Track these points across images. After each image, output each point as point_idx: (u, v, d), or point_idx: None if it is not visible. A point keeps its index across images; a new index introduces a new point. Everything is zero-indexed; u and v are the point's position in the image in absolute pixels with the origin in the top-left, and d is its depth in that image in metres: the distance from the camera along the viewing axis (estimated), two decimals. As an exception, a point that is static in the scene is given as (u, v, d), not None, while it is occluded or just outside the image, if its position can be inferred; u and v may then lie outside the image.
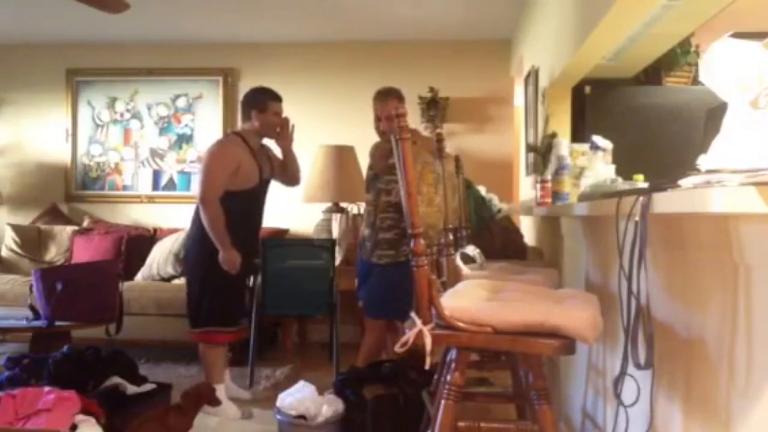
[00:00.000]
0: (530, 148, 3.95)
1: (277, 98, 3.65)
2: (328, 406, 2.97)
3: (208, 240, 3.44)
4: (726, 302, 1.30)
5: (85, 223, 5.59)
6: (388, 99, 3.49)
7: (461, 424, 1.78)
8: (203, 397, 2.85)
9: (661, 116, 3.49)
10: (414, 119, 5.17)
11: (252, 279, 3.98)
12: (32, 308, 3.45)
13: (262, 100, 3.60)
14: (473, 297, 1.81)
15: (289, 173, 3.77)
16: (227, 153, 3.50)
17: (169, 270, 5.02)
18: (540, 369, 1.81)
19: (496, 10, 4.77)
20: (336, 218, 4.93)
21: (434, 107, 5.42)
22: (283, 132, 3.67)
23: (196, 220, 3.53)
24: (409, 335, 1.67)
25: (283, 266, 4.11)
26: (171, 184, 5.78)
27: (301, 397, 3.01)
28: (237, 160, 3.46)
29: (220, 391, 3.45)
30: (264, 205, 3.72)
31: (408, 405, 2.90)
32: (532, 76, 4.21)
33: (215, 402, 2.95)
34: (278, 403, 3.03)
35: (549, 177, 3.10)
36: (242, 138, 3.57)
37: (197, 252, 3.52)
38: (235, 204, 3.44)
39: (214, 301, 3.46)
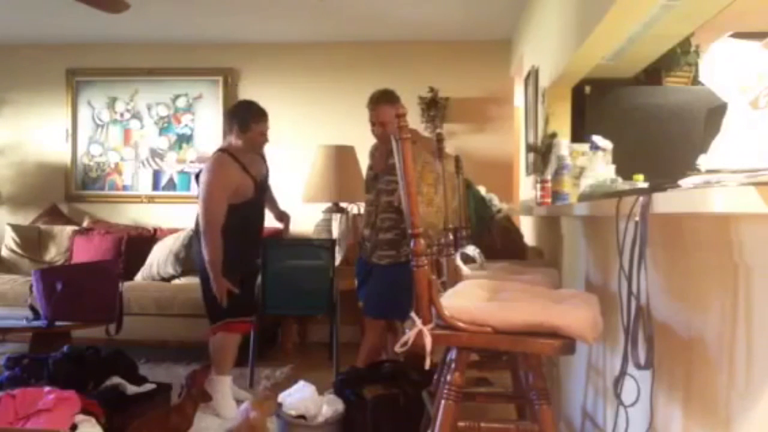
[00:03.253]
0: (530, 148, 3.95)
1: (262, 117, 3.56)
2: (328, 406, 2.97)
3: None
4: (726, 302, 1.30)
5: (85, 223, 5.59)
6: (379, 105, 3.49)
7: (461, 424, 1.78)
8: (200, 380, 2.86)
9: (661, 116, 3.49)
10: (414, 119, 5.17)
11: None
12: (32, 308, 3.45)
13: (245, 120, 3.52)
14: (473, 297, 1.81)
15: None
16: (223, 178, 3.46)
17: (169, 270, 5.02)
18: (540, 369, 1.81)
19: (496, 10, 4.77)
20: (336, 218, 4.93)
21: (434, 107, 5.42)
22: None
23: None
24: (410, 335, 1.67)
25: (283, 266, 4.10)
26: (171, 184, 5.78)
27: (301, 397, 3.01)
28: (233, 183, 3.47)
29: (225, 383, 3.46)
30: (264, 206, 3.76)
31: (408, 405, 2.90)
32: (532, 76, 4.21)
33: (207, 397, 2.98)
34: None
35: (549, 177, 3.11)
36: (231, 155, 3.52)
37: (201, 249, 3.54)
38: (237, 215, 3.48)
39: (228, 294, 3.48)
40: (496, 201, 3.99)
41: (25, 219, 5.77)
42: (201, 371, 2.97)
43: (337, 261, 4.37)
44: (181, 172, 5.74)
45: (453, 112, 5.48)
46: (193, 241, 3.77)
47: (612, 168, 2.92)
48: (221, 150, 3.60)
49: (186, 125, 5.76)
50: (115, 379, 3.08)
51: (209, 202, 3.43)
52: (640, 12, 2.46)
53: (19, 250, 5.48)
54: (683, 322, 1.53)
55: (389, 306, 3.46)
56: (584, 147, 3.05)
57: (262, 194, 3.70)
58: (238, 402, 3.54)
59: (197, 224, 3.57)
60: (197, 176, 3.60)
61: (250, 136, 3.54)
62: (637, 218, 1.38)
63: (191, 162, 5.70)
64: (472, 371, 2.92)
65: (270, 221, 3.90)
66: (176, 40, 5.64)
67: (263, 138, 3.60)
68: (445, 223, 2.37)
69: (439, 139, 2.63)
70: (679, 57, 3.49)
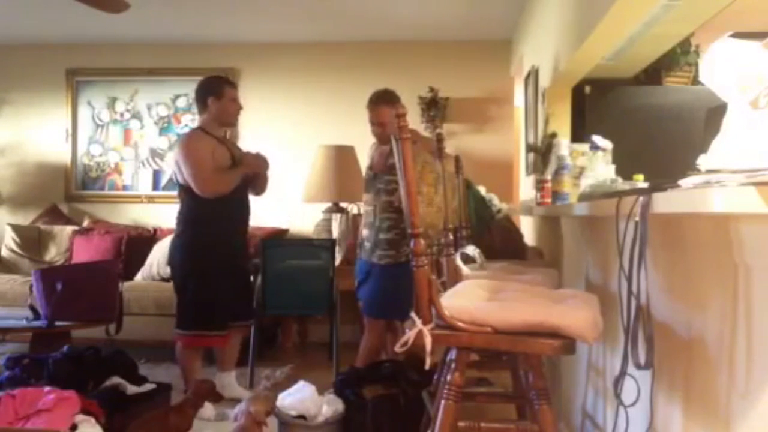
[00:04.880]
0: (530, 148, 3.95)
1: (232, 84, 3.64)
2: (328, 406, 2.97)
3: (192, 239, 3.49)
4: (726, 302, 1.30)
5: (85, 223, 5.59)
6: (378, 105, 3.50)
7: (461, 424, 1.78)
8: (203, 392, 2.85)
9: (661, 116, 3.49)
10: (414, 119, 5.17)
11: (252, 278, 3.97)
12: (32, 308, 3.45)
13: (218, 86, 3.57)
14: (473, 297, 1.81)
15: (253, 187, 3.71)
16: (199, 143, 3.48)
17: (169, 270, 5.01)
18: (540, 369, 1.81)
19: (496, 10, 4.77)
20: (336, 218, 4.93)
21: (434, 107, 5.42)
22: (249, 161, 3.60)
23: (180, 220, 3.56)
24: (410, 335, 1.67)
25: (283, 266, 4.10)
26: (171, 184, 5.77)
27: (301, 397, 3.01)
28: (210, 147, 3.46)
29: None
30: (246, 198, 3.65)
31: (408, 405, 2.90)
32: (532, 76, 4.21)
33: (216, 397, 2.95)
34: (278, 403, 3.03)
35: (549, 177, 3.11)
36: (203, 131, 3.55)
37: (181, 252, 3.54)
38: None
39: (197, 303, 3.46)
40: (496, 201, 3.98)
41: (25, 219, 5.77)
42: (207, 386, 2.95)
43: (337, 261, 4.37)
44: (181, 172, 5.73)
45: (453, 112, 5.48)
46: (173, 240, 3.70)
47: (612, 168, 2.92)
48: (193, 128, 3.65)
49: (186, 125, 5.75)
50: (115, 379, 3.08)
51: (193, 163, 3.41)
52: (640, 12, 2.46)
53: (19, 250, 5.48)
54: (683, 322, 1.53)
55: (389, 306, 3.46)
56: (584, 147, 3.05)
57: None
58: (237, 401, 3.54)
59: (179, 218, 3.56)
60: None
61: (224, 104, 3.53)
62: (637, 218, 1.38)
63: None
64: (472, 371, 2.92)
65: (269, 222, 3.89)
66: (176, 40, 5.64)
67: (236, 104, 3.59)
68: (445, 223, 2.37)
69: (439, 139, 2.63)
70: (679, 57, 3.49)
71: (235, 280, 3.61)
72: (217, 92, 3.53)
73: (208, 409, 3.35)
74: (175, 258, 3.62)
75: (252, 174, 3.59)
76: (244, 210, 3.66)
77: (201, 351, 3.61)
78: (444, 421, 1.72)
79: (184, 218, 3.55)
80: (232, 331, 3.61)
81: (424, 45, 5.54)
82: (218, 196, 3.43)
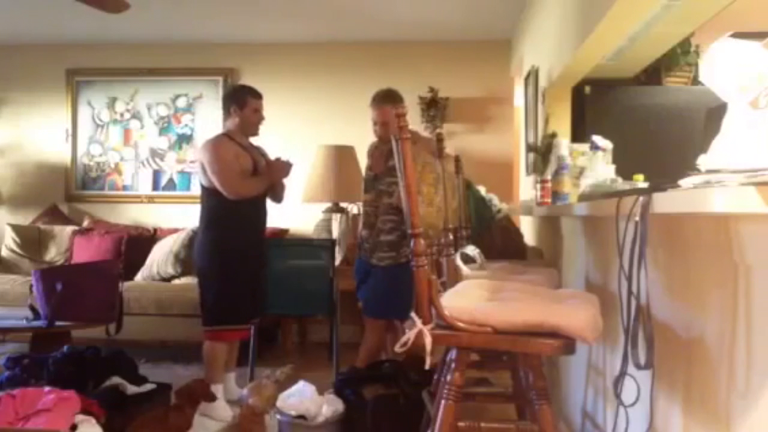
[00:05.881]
0: (530, 148, 3.95)
1: (257, 95, 3.64)
2: (328, 406, 2.97)
3: (216, 239, 3.51)
4: (726, 302, 1.30)
5: (85, 223, 5.59)
6: (382, 104, 3.50)
7: (461, 424, 1.78)
8: (196, 393, 2.85)
9: (661, 116, 3.49)
10: (414, 119, 5.17)
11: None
12: (32, 308, 3.45)
13: (241, 96, 3.60)
14: (473, 297, 1.81)
15: (273, 195, 3.76)
16: (222, 147, 3.52)
17: (169, 270, 5.02)
18: (540, 369, 1.81)
19: (496, 10, 4.77)
20: (336, 218, 4.93)
21: (434, 107, 5.42)
22: (277, 169, 3.65)
23: (202, 221, 3.57)
24: (410, 335, 1.67)
25: (283, 266, 4.10)
26: (171, 184, 5.78)
27: (301, 397, 3.01)
28: (233, 152, 3.50)
29: (218, 391, 3.46)
30: (264, 201, 3.72)
31: (408, 405, 2.90)
32: (532, 76, 4.21)
33: (210, 397, 2.95)
34: (278, 403, 3.03)
35: (549, 177, 3.11)
36: (228, 137, 3.58)
37: (206, 251, 3.55)
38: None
39: (223, 300, 3.50)
40: (496, 201, 3.98)
41: (25, 219, 5.77)
42: (201, 387, 2.94)
43: (337, 261, 4.37)
44: (181, 172, 5.74)
45: (453, 112, 5.48)
46: (195, 239, 3.75)
47: (612, 168, 2.92)
48: (219, 134, 3.67)
49: (186, 125, 5.76)
50: (115, 379, 3.08)
51: (219, 165, 3.44)
52: (641, 12, 2.46)
53: (19, 250, 5.48)
54: (683, 322, 1.53)
55: (389, 306, 3.46)
56: (584, 147, 3.06)
57: None
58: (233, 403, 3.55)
59: (201, 219, 3.58)
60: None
61: (247, 113, 3.57)
62: (637, 218, 1.39)
63: (191, 162, 5.69)
64: (472, 371, 2.91)
65: (269, 222, 3.89)
66: (176, 40, 5.64)
67: (258, 115, 3.62)
68: (445, 223, 2.37)
69: (439, 139, 2.63)
70: (679, 57, 3.49)
71: (255, 278, 3.67)
72: (239, 102, 3.58)
73: (225, 409, 3.34)
74: (198, 257, 3.66)
75: (275, 181, 3.66)
76: (262, 213, 3.71)
77: (227, 349, 3.64)
78: (444, 421, 1.72)
79: (206, 219, 3.60)
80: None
81: (424, 45, 5.53)
82: (241, 198, 3.48)
